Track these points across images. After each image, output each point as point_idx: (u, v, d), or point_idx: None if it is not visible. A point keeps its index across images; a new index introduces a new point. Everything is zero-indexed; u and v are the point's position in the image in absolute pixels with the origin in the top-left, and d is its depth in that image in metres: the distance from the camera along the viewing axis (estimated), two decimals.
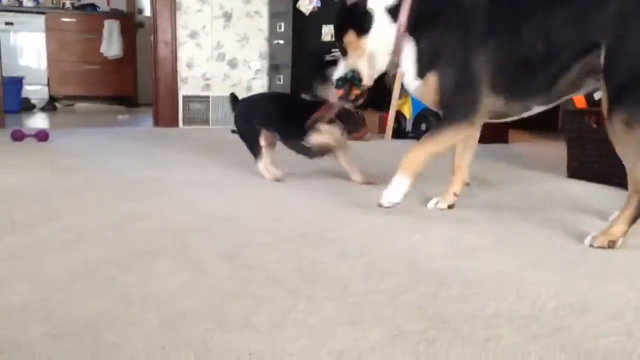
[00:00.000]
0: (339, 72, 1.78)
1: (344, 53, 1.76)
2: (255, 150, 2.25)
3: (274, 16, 4.66)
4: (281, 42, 4.50)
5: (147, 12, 6.93)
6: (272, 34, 4.68)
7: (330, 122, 2.06)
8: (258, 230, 1.52)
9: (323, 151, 2.13)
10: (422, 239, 1.47)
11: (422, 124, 3.76)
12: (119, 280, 1.13)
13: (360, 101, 1.82)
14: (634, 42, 1.38)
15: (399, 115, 3.96)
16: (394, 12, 1.67)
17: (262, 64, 4.81)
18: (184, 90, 4.57)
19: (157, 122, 4.55)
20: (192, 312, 0.99)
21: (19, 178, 2.20)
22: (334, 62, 1.88)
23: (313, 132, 2.05)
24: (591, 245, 1.42)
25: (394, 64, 1.72)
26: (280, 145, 2.27)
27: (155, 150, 3.11)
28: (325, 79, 2.00)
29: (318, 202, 1.86)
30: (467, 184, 1.87)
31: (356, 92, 1.76)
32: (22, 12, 6.71)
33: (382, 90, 3.87)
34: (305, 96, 2.16)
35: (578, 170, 2.45)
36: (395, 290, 1.11)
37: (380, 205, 1.67)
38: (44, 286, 1.09)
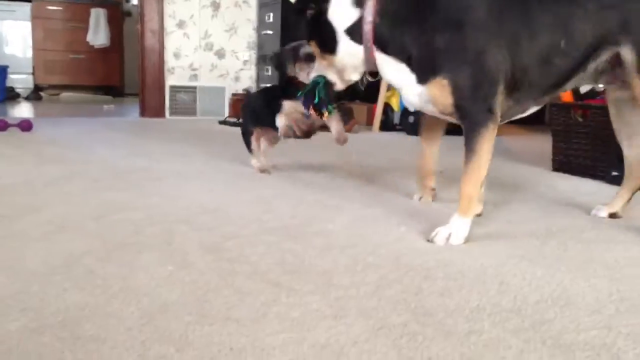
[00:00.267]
0: (311, 74, 1.72)
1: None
2: (249, 147, 2.24)
3: (262, 6, 4.63)
4: (270, 32, 4.47)
5: (135, 0, 6.86)
6: (261, 24, 4.65)
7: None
8: (243, 223, 1.51)
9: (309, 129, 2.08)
10: (407, 232, 1.47)
11: (410, 117, 3.76)
12: (100, 272, 1.12)
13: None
14: None
15: (387, 107, 3.96)
16: (354, 32, 1.49)
17: (251, 55, 4.78)
18: (171, 81, 4.54)
19: (143, 113, 4.52)
20: (174, 304, 0.98)
21: (1, 168, 2.17)
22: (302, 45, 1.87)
23: (278, 114, 2.02)
24: None
25: (366, 74, 1.60)
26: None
27: (141, 141, 3.09)
28: (296, 57, 1.98)
29: (304, 195, 1.86)
30: (433, 189, 1.83)
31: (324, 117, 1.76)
32: None
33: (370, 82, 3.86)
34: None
35: (563, 163, 2.46)
36: (379, 284, 1.10)
37: (431, 241, 1.41)
38: (22, 278, 1.08)
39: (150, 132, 3.54)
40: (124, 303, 0.98)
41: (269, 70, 4.51)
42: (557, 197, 1.96)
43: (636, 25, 1.41)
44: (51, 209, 1.59)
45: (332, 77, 1.63)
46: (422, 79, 1.44)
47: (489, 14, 1.41)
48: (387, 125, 3.95)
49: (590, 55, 1.45)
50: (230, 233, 1.41)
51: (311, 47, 1.64)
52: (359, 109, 4.14)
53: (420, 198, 1.83)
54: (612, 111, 1.69)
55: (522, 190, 2.06)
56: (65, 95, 7.15)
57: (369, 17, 1.46)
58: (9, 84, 6.13)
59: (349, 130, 2.03)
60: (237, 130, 3.74)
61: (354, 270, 1.17)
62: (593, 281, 1.15)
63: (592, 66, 1.47)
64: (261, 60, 4.68)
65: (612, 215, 1.68)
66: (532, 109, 1.57)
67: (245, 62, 4.77)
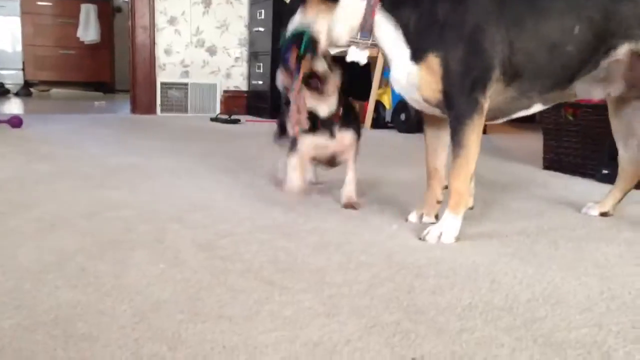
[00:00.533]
0: (293, 23, 1.49)
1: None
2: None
3: (254, 3, 4.62)
4: (261, 29, 4.46)
5: None
6: (252, 21, 4.64)
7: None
8: (236, 220, 1.51)
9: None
10: (399, 230, 1.47)
11: (401, 114, 3.77)
12: (92, 270, 1.12)
13: (322, 87, 1.57)
14: None
15: (379, 105, 3.96)
16: None
17: (242, 52, 4.77)
18: (162, 77, 4.52)
19: (134, 109, 4.50)
20: (167, 303, 0.98)
21: None
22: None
23: (290, 153, 1.67)
24: None
25: (356, 39, 1.48)
26: None
27: (132, 138, 3.08)
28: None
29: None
30: (446, 187, 1.56)
31: (308, 63, 1.48)
32: None
33: (362, 79, 3.86)
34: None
35: (554, 162, 2.48)
36: (372, 282, 1.11)
37: (423, 239, 1.39)
38: (15, 276, 1.07)
39: (142, 128, 3.53)
40: (117, 301, 0.98)
41: (261, 68, 4.51)
42: (547, 196, 1.97)
43: None
44: (42, 206, 1.58)
45: (320, 28, 1.45)
46: (416, 55, 1.38)
47: None
48: (378, 122, 3.95)
49: (603, 48, 1.39)
50: (222, 231, 1.41)
51: None
52: None
53: (421, 217, 1.57)
54: (612, 110, 1.66)
55: (512, 188, 2.08)
56: (56, 91, 7.10)
57: None
58: None
59: (322, 93, 1.64)
60: (229, 127, 3.74)
61: (346, 269, 1.18)
62: (584, 279, 1.16)
63: (604, 63, 1.42)
64: (253, 57, 4.67)
65: (603, 214, 1.69)
66: (538, 106, 1.50)
67: (236, 59, 4.76)
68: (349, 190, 1.71)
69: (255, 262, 1.19)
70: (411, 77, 1.40)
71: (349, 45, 1.51)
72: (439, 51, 1.35)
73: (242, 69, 4.79)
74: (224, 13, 4.67)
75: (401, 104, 3.78)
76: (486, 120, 1.46)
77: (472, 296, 1.06)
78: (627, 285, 1.13)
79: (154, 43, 4.46)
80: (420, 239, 1.40)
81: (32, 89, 6.75)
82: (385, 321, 0.94)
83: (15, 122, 3.23)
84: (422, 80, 1.38)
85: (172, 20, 4.51)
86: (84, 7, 6.74)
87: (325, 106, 1.63)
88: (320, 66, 1.56)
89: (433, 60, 1.36)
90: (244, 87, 4.81)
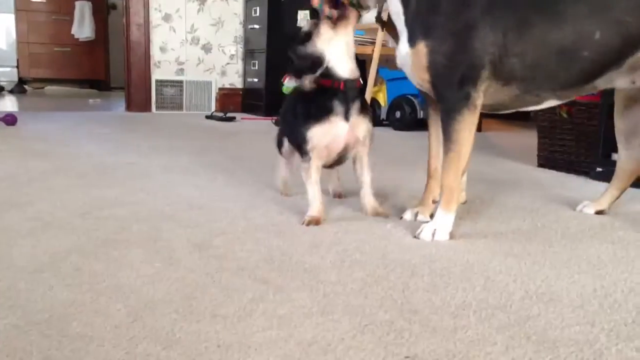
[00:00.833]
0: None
1: None
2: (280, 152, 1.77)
3: (249, 0, 4.61)
4: (257, 27, 4.45)
5: None
6: (248, 18, 4.63)
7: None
8: (231, 219, 1.51)
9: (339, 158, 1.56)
10: (393, 228, 1.48)
11: (396, 112, 3.77)
12: (87, 269, 1.12)
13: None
14: None
15: (374, 103, 3.96)
16: None
17: (237, 49, 4.76)
18: (157, 75, 4.50)
19: (129, 107, 4.49)
20: (161, 302, 0.98)
21: None
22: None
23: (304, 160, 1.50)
24: None
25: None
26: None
27: (127, 136, 3.07)
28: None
29: (292, 191, 1.86)
30: None
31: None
32: None
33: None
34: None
35: (548, 159, 2.48)
36: (366, 280, 1.11)
37: (417, 237, 1.39)
38: (9, 276, 1.07)
39: (137, 126, 3.52)
40: (111, 300, 0.98)
41: (256, 65, 4.50)
42: (542, 193, 1.97)
43: None
44: (36, 204, 1.58)
45: None
46: (410, 39, 1.39)
47: None
48: (373, 120, 3.95)
49: (632, 51, 1.34)
50: (217, 229, 1.41)
51: None
52: None
53: (416, 215, 1.57)
54: (619, 108, 1.64)
55: (507, 186, 2.08)
56: (50, 88, 7.07)
57: None
58: None
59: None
60: (224, 125, 3.74)
61: (341, 267, 1.18)
62: (577, 277, 1.17)
63: (630, 60, 1.36)
64: (248, 54, 4.67)
65: (599, 212, 1.69)
66: (552, 102, 1.47)
67: (232, 56, 4.75)
68: (370, 197, 1.57)
69: (250, 261, 1.20)
70: (407, 59, 1.41)
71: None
72: (428, 41, 1.34)
73: (238, 66, 4.78)
74: (219, 10, 4.65)
75: (396, 102, 3.78)
76: (490, 111, 1.47)
77: (466, 294, 1.06)
78: (620, 283, 1.14)
79: (148, 40, 4.44)
80: (414, 236, 1.40)
81: (26, 87, 6.72)
82: (379, 320, 0.94)
83: (9, 119, 3.22)
84: (413, 65, 1.39)
85: (166, 18, 4.50)
86: (79, 4, 6.71)
87: (350, 60, 1.47)
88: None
89: (422, 49, 1.36)
90: (239, 84, 4.80)
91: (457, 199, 1.43)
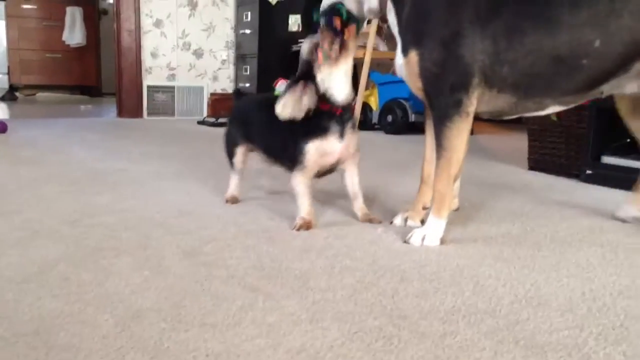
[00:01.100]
0: (325, 2, 1.50)
1: None
2: (231, 162, 1.83)
3: (240, 5, 4.61)
4: (248, 31, 4.46)
5: None
6: (239, 23, 4.63)
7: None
8: (221, 225, 1.51)
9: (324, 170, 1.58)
10: (384, 234, 1.48)
11: (388, 116, 3.78)
12: (75, 279, 1.11)
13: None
14: None
15: (366, 107, 3.97)
16: None
17: (229, 54, 4.76)
18: (148, 80, 4.50)
19: (120, 113, 4.48)
20: (150, 311, 0.98)
21: None
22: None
23: (299, 167, 1.52)
24: None
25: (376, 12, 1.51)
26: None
27: (119, 142, 3.06)
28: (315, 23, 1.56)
29: (283, 198, 1.86)
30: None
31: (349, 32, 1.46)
32: None
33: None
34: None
35: (539, 162, 2.49)
36: (356, 287, 1.11)
37: (407, 243, 1.40)
38: None
39: (128, 132, 3.51)
40: (99, 310, 0.97)
41: (248, 70, 4.50)
42: (532, 197, 1.98)
43: None
44: (25, 213, 1.57)
45: (350, 5, 1.48)
46: (403, 48, 1.41)
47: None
48: (365, 124, 3.95)
49: (635, 56, 1.31)
50: (207, 236, 1.41)
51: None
52: None
53: (405, 220, 1.57)
54: (626, 109, 1.62)
55: (497, 189, 2.09)
56: (42, 95, 7.05)
57: None
58: None
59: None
60: (216, 130, 3.73)
61: (330, 273, 1.18)
62: (566, 281, 1.17)
63: (637, 67, 1.34)
64: (239, 59, 4.67)
65: None
66: (556, 108, 1.45)
67: (223, 61, 4.75)
68: (361, 203, 1.61)
69: (240, 268, 1.19)
70: (402, 68, 1.44)
71: None
72: (419, 49, 1.36)
73: (229, 71, 4.78)
74: (210, 15, 4.66)
75: (388, 106, 3.79)
76: (491, 117, 1.47)
77: (456, 300, 1.06)
78: (609, 286, 1.14)
79: (139, 46, 4.44)
80: (404, 242, 1.40)
81: (17, 93, 6.69)
82: (368, 326, 0.94)
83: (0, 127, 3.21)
84: (407, 73, 1.41)
85: (157, 23, 4.49)
86: (70, 10, 6.70)
87: (347, 86, 1.50)
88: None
89: (413, 58, 1.38)
90: (231, 89, 4.80)
91: (448, 205, 1.43)
